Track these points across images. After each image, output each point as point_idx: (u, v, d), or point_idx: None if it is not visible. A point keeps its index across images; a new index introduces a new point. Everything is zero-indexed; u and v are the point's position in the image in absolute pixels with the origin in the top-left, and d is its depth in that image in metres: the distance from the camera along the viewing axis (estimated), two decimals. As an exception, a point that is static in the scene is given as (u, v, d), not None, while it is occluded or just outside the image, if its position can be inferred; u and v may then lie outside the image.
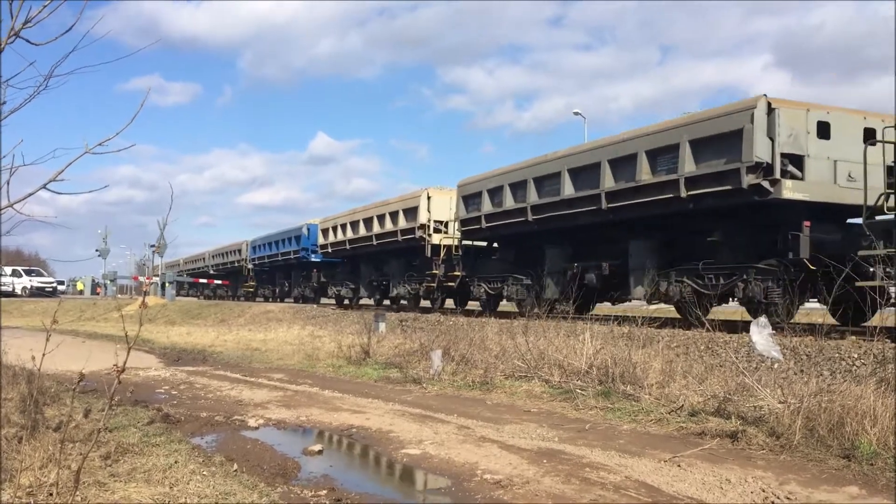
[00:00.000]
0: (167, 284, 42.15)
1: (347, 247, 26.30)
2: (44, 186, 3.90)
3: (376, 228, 23.83)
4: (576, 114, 39.89)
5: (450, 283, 20.44)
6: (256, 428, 7.41)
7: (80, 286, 61.39)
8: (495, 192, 17.88)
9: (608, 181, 13.82)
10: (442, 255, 20.50)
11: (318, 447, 6.37)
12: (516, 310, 18.38)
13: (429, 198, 21.36)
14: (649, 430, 6.98)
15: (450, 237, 20.21)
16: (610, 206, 13.75)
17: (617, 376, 8.63)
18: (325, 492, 5.01)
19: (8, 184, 3.84)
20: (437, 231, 20.93)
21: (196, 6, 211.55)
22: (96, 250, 52.70)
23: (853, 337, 9.15)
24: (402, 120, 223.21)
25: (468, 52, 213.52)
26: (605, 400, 8.18)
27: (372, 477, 5.99)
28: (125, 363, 3.67)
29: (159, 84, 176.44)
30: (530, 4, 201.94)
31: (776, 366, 8.09)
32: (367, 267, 26.68)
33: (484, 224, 18.28)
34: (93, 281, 59.69)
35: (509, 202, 17.09)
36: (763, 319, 7.09)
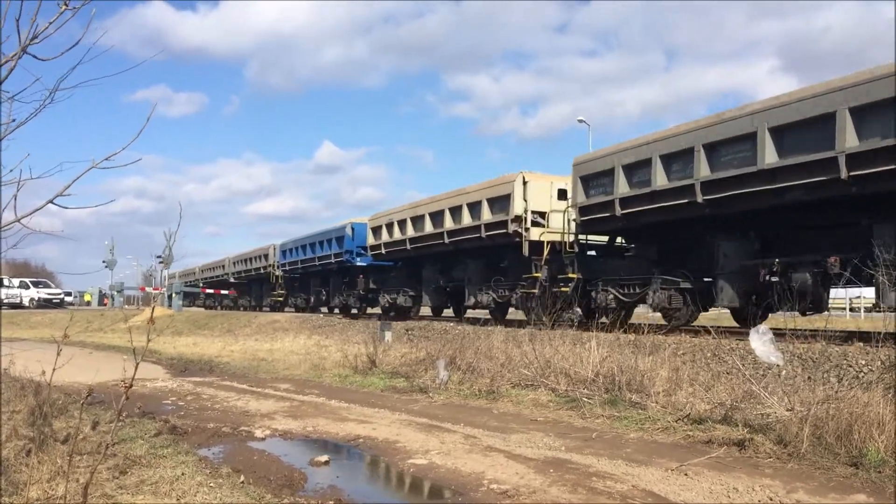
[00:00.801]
0: (174, 295, 42.25)
1: (408, 247, 21.65)
2: (51, 201, 3.92)
3: (448, 224, 19.40)
4: (580, 121, 39.92)
5: (563, 289, 15.23)
6: (263, 439, 7.42)
7: (87, 297, 61.55)
8: (636, 168, 13.44)
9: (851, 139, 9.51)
10: (546, 253, 16.03)
11: (324, 458, 6.38)
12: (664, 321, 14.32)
13: (525, 183, 16.86)
14: (656, 439, 6.96)
15: (553, 231, 16.23)
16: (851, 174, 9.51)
17: (623, 384, 8.62)
18: (331, 503, 5.03)
19: (15, 198, 3.87)
20: (535, 224, 16.69)
21: (202, 16, 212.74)
22: (103, 261, 52.92)
23: (860, 343, 9.12)
24: (407, 127, 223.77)
25: (473, 59, 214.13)
26: (612, 408, 8.17)
27: (379, 487, 6.00)
28: (133, 377, 3.69)
29: (166, 94, 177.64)
30: (535, 10, 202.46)
31: (783, 373, 8.07)
32: (432, 270, 22.06)
33: (618, 210, 13.65)
34: (100, 292, 59.85)
35: (661, 180, 12.66)
36: (763, 326, 7.07)
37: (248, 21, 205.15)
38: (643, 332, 10.42)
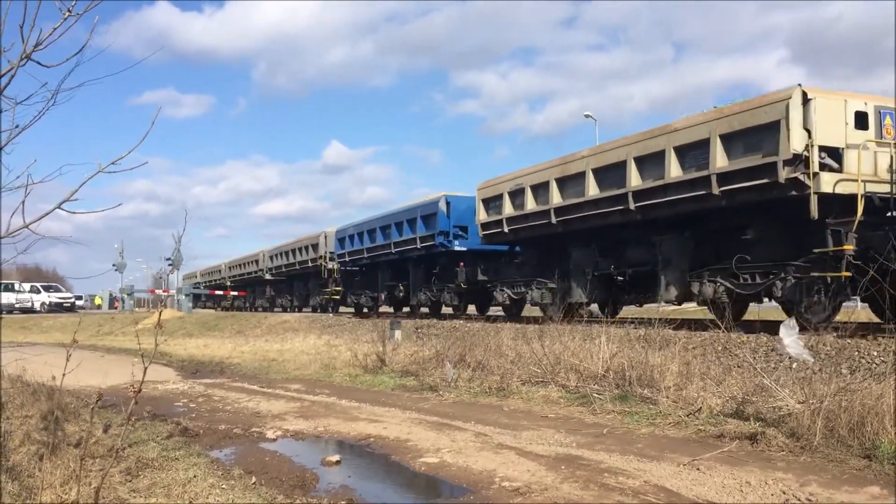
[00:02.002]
0: (184, 296, 42.43)
1: (553, 220, 15.45)
2: (58, 206, 3.94)
3: (634, 182, 13.22)
4: (587, 116, 39.76)
5: None
6: (274, 440, 7.44)
7: (97, 301, 61.85)
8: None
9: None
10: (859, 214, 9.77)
11: (336, 458, 6.39)
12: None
13: (806, 101, 10.25)
14: (667, 434, 6.94)
15: (851, 177, 10.04)
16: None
17: (634, 380, 8.59)
18: (343, 502, 5.03)
19: (23, 204, 3.88)
20: (825, 169, 10.23)
21: (208, 18, 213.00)
22: (113, 265, 53.05)
23: (872, 335, 9.07)
24: (414, 126, 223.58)
25: (480, 56, 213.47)
26: (623, 404, 8.15)
27: (390, 487, 5.99)
28: (142, 381, 3.70)
29: (173, 97, 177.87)
30: (542, 6, 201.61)
31: (794, 366, 8.04)
32: (587, 253, 15.61)
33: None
34: (110, 295, 60.12)
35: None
36: (791, 321, 7.02)
37: (254, 22, 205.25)
38: (653, 327, 10.39)
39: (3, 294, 42.13)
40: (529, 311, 19.65)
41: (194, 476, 5.48)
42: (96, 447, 6.11)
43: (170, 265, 47.07)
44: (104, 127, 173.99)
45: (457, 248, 20.53)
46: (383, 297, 26.18)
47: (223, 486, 5.21)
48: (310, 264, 31.68)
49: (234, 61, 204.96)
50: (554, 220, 15.51)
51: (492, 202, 18.35)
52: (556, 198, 15.50)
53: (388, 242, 23.84)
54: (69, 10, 3.78)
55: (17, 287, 46.09)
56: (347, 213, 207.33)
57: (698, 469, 5.55)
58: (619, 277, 15.04)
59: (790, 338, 6.96)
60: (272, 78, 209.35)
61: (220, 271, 51.00)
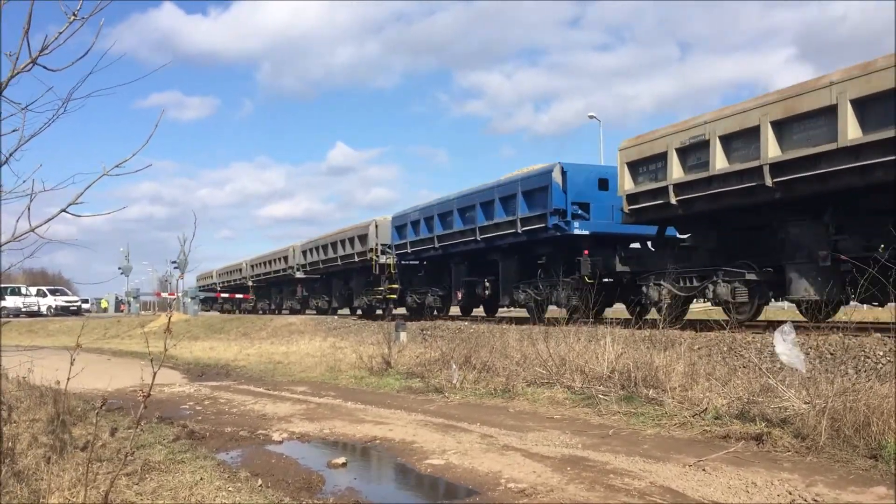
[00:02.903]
0: (190, 299, 42.51)
1: (767, 182, 10.84)
2: (64, 210, 3.95)
3: None
4: (591, 117, 39.75)
5: None
6: (280, 442, 7.45)
7: (104, 304, 62.04)
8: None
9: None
10: None
11: (342, 460, 6.40)
12: None
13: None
14: (673, 435, 6.94)
15: None
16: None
17: (639, 380, 8.59)
18: (349, 505, 5.05)
19: (29, 208, 3.90)
20: None
21: (213, 20, 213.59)
22: (119, 268, 53.17)
23: (878, 334, 9.05)
24: (419, 126, 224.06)
25: (485, 56, 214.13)
26: (628, 405, 8.15)
27: (396, 488, 6.01)
28: (151, 385, 3.72)
29: (178, 99, 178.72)
30: (547, 6, 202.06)
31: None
32: (811, 228, 11.06)
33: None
34: (116, 298, 60.25)
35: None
36: (786, 326, 6.99)
37: (258, 24, 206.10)
38: (658, 328, 10.38)
39: (10, 298, 42.28)
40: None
41: (201, 479, 5.50)
42: (103, 450, 6.14)
43: (176, 268, 47.13)
44: (110, 129, 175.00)
45: (576, 232, 15.40)
46: (460, 295, 21.08)
47: (230, 489, 5.22)
48: (356, 259, 26.60)
49: (238, 63, 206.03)
50: (769, 181, 10.73)
51: (645, 165, 13.45)
52: (772, 149, 10.70)
53: (469, 228, 19.26)
54: (74, 14, 3.80)
55: (23, 291, 46.25)
56: (352, 214, 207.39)
57: (704, 470, 5.54)
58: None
59: (783, 344, 6.91)
60: (277, 79, 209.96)
61: (240, 270, 45.77)
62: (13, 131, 3.88)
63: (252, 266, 43.06)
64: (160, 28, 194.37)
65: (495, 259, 19.43)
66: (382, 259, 24.55)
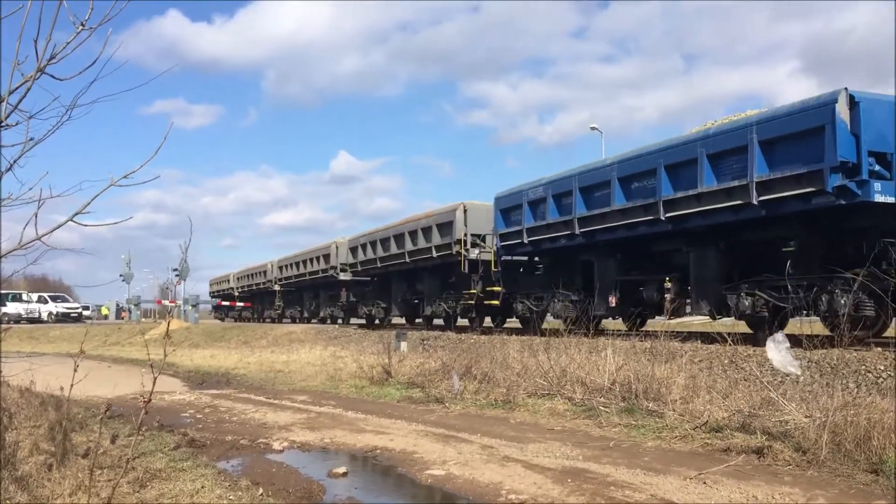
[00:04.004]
0: (190, 307, 42.48)
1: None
2: (71, 219, 3.98)
3: None
4: (592, 129, 39.82)
5: None
6: (281, 451, 7.46)
7: (104, 311, 62.02)
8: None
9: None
10: None
11: (342, 469, 6.40)
12: None
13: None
14: (674, 447, 6.94)
15: None
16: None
17: (640, 392, 8.59)
18: (350, 515, 5.05)
19: (36, 216, 3.92)
20: None
21: (218, 28, 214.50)
22: (120, 275, 53.19)
23: (878, 348, 9.05)
24: (424, 136, 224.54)
25: (491, 67, 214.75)
26: (629, 417, 8.15)
27: (397, 499, 6.01)
28: (151, 392, 3.73)
29: (183, 107, 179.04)
30: (553, 17, 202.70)
31: (801, 379, 8.02)
32: None
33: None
34: (117, 305, 60.28)
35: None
36: (780, 335, 7.01)
37: (264, 32, 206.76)
38: (660, 339, 10.38)
39: (11, 304, 42.30)
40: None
41: (202, 487, 5.50)
42: (104, 458, 6.14)
43: (177, 276, 47.02)
44: (115, 136, 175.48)
45: (878, 199, 9.54)
46: (613, 300, 14.56)
47: (230, 498, 5.23)
48: (432, 254, 20.62)
49: (243, 71, 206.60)
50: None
51: None
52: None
53: (638, 205, 13.00)
54: (83, 24, 3.83)
55: (24, 297, 46.26)
56: (354, 224, 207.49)
57: (705, 483, 5.54)
58: None
59: (776, 352, 6.94)
60: (282, 88, 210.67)
61: (264, 273, 39.94)
62: (16, 145, 3.91)
63: (280, 267, 36.95)
64: (165, 35, 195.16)
65: (676, 249, 13.27)
66: (474, 253, 19.04)
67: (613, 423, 8.04)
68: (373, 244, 25.06)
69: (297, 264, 33.91)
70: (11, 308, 41.62)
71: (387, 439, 7.77)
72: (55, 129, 4.04)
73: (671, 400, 8.12)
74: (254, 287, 42.21)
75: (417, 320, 25.26)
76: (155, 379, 4.04)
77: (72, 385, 4.62)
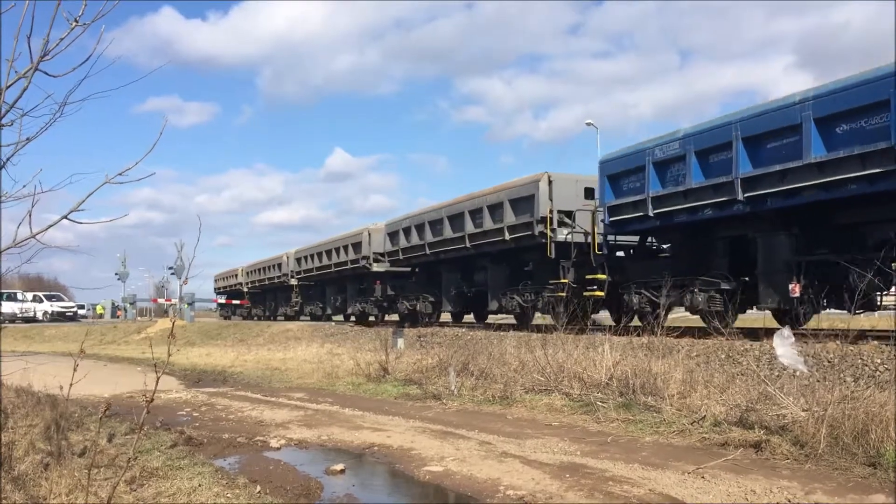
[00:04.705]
0: (186, 306, 42.34)
1: None
2: (65, 217, 3.95)
3: None
4: (588, 124, 39.75)
5: None
6: (278, 448, 7.44)
7: (100, 310, 61.85)
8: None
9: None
10: None
11: (340, 466, 6.38)
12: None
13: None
14: (672, 442, 6.94)
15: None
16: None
17: (637, 388, 8.59)
18: (348, 512, 5.04)
19: (30, 214, 3.90)
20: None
21: (212, 25, 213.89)
22: (116, 274, 53.03)
23: (875, 342, 9.06)
24: (419, 134, 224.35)
25: (486, 63, 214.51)
26: (627, 412, 8.15)
27: (395, 495, 6.00)
28: (154, 392, 3.71)
29: (177, 104, 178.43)
30: (548, 13, 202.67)
31: (797, 373, 8.02)
32: None
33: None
34: (113, 304, 60.10)
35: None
36: (786, 330, 7.01)
37: (259, 29, 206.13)
38: (656, 335, 10.39)
39: (6, 303, 42.16)
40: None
41: (199, 485, 5.48)
42: (101, 457, 6.12)
43: (172, 274, 46.86)
44: (108, 133, 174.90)
45: None
46: (795, 288, 10.47)
47: (228, 495, 5.20)
48: (505, 237, 16.94)
49: (238, 69, 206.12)
50: None
51: None
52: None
53: (862, 152, 9.17)
54: (76, 20, 3.80)
55: (19, 296, 46.12)
56: (350, 221, 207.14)
57: (703, 477, 5.54)
58: None
59: (783, 347, 6.94)
60: (277, 86, 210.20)
61: (279, 266, 36.11)
62: (11, 145, 3.88)
63: (298, 259, 33.09)
64: (159, 33, 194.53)
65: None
66: (562, 234, 15.56)
67: (611, 419, 8.04)
68: (419, 228, 21.11)
69: (320, 255, 29.98)
70: (6, 307, 41.46)
71: (384, 436, 7.75)
72: (48, 125, 4.01)
73: (668, 395, 8.12)
74: (266, 282, 38.92)
75: (467, 317, 22.07)
76: (158, 378, 4.03)
77: (71, 384, 4.59)
